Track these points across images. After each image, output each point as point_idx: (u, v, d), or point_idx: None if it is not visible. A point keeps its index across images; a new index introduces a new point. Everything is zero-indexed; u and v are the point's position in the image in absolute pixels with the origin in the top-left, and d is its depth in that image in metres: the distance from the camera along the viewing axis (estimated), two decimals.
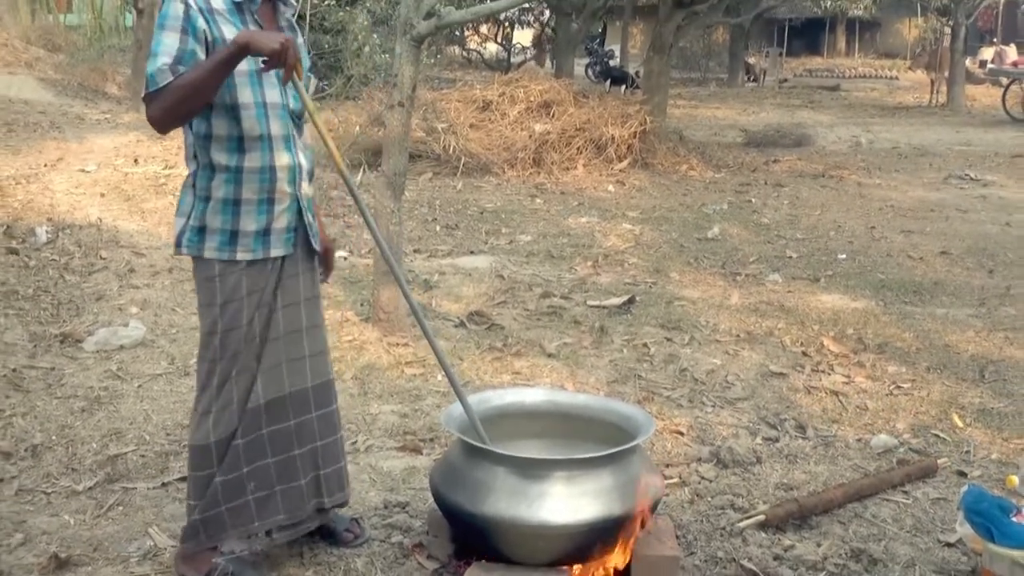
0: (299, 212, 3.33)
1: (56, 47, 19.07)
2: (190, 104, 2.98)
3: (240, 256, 3.19)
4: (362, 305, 6.60)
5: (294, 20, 3.43)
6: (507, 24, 31.54)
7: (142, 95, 3.02)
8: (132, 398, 5.07)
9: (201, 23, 3.02)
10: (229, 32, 3.07)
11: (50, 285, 6.80)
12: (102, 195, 9.48)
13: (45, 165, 10.19)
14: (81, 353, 5.68)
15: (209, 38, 3.03)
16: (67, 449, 4.44)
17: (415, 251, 8.40)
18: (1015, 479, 4.27)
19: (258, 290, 3.24)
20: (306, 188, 3.36)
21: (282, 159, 3.23)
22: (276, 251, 3.27)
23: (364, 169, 11.06)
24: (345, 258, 7.97)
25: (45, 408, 4.89)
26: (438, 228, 9.44)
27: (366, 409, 5.00)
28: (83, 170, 10.42)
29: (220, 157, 3.14)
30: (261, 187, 3.20)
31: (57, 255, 7.47)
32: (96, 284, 6.94)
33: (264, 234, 3.23)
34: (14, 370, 5.34)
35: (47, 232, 7.79)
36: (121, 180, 9.83)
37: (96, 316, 6.28)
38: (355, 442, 4.60)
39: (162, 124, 3.03)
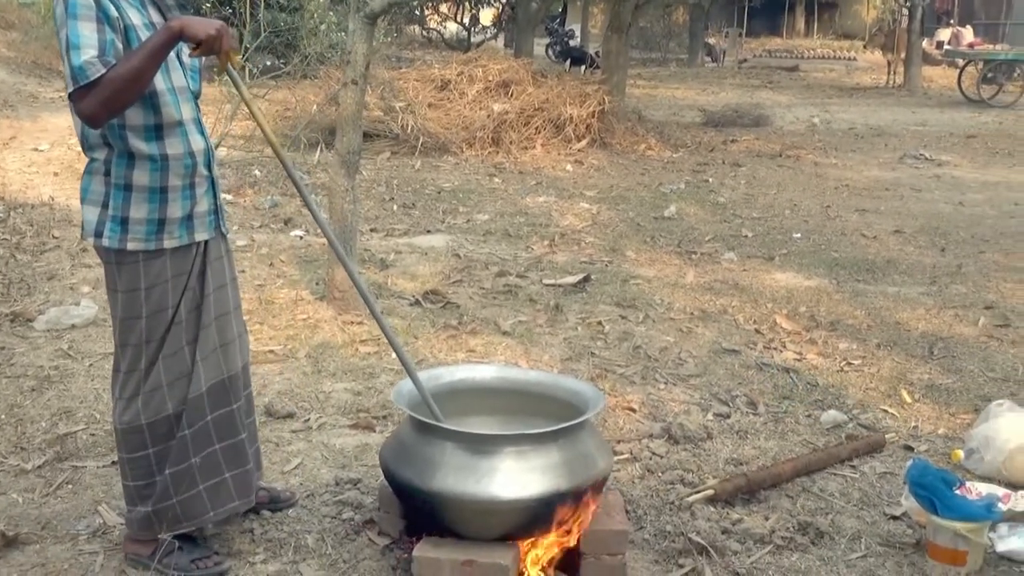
0: (215, 194, 3.33)
1: (9, 24, 18.81)
2: (128, 95, 2.89)
3: (167, 244, 3.15)
4: (317, 284, 6.59)
5: None
6: (469, 3, 31.45)
7: (69, 90, 2.87)
8: (83, 377, 5.03)
9: (112, 11, 2.91)
10: (134, 16, 3.00)
11: (1, 264, 6.74)
12: (55, 174, 9.40)
13: None
14: (32, 332, 5.63)
15: (121, 25, 2.94)
16: (16, 428, 4.40)
17: (372, 230, 8.38)
18: (960, 453, 4.36)
19: (183, 273, 3.21)
20: (215, 170, 3.35)
21: (197, 143, 3.20)
22: (200, 235, 3.25)
23: (321, 148, 11.01)
24: (301, 237, 7.94)
25: None
26: (395, 207, 9.42)
27: (319, 387, 5.00)
28: (36, 149, 10.33)
29: (140, 145, 3.06)
30: (185, 172, 3.16)
31: (8, 234, 7.40)
32: (48, 263, 6.88)
33: (188, 219, 3.20)
34: None
35: None
36: (75, 159, 9.75)
37: (47, 295, 6.23)
38: (308, 420, 4.60)
39: (98, 119, 2.90)
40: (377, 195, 9.84)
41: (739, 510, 3.88)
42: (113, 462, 4.01)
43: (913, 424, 4.80)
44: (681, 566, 3.50)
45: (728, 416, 4.81)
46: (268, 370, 5.17)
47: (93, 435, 4.36)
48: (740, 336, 6.00)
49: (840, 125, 16.97)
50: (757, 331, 6.10)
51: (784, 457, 4.34)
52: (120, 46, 2.92)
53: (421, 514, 3.29)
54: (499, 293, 6.73)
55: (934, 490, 3.50)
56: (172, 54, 3.07)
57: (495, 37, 31.51)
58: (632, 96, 17.70)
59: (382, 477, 3.42)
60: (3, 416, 4.52)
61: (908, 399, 5.09)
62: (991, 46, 25.21)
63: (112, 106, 2.88)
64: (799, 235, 8.78)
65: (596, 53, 21.72)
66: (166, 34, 2.89)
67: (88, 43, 2.84)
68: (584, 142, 13.00)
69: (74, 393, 4.82)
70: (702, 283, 7.14)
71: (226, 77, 3.17)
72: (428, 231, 8.53)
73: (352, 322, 5.90)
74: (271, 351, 5.43)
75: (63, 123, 11.23)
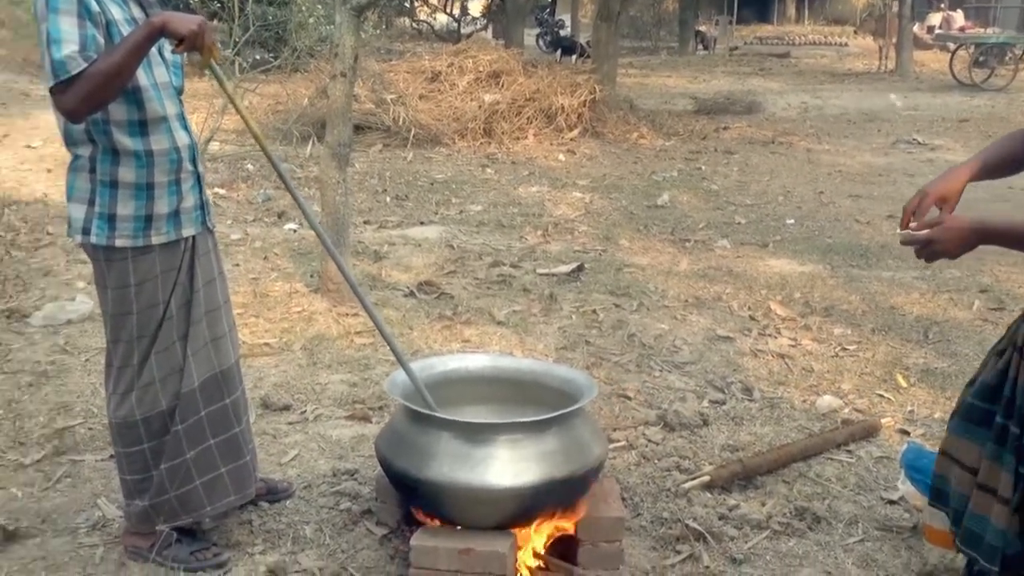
0: (200, 189, 3.33)
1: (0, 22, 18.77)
2: (110, 91, 2.87)
3: (155, 240, 3.15)
4: (312, 276, 6.58)
5: None
6: None
7: (49, 84, 2.84)
8: (79, 372, 5.03)
9: (94, 6, 2.89)
10: (116, 11, 2.99)
11: None
12: (48, 171, 9.38)
13: None
14: (28, 328, 5.63)
15: (102, 20, 2.93)
16: (14, 423, 4.41)
17: (365, 222, 8.38)
18: None
19: (172, 269, 3.21)
20: (200, 165, 3.35)
21: (182, 139, 3.20)
22: (187, 231, 3.25)
23: (313, 141, 11.00)
24: (295, 230, 7.93)
25: None
26: (388, 199, 9.42)
27: (315, 379, 5.00)
28: (29, 146, 10.31)
29: (125, 141, 3.05)
30: (171, 168, 3.16)
31: (3, 231, 7.39)
32: (43, 259, 6.87)
33: (175, 215, 3.20)
34: None
35: None
36: (67, 155, 9.71)
37: (43, 291, 6.22)
38: (304, 412, 4.61)
39: (79, 113, 2.89)
40: (370, 187, 9.84)
41: (736, 496, 3.90)
42: (111, 456, 4.00)
43: (909, 408, 4.81)
44: (679, 552, 3.52)
45: (723, 403, 4.83)
46: (264, 363, 5.18)
47: (91, 429, 4.37)
48: (734, 323, 6.02)
49: (832, 111, 16.96)
50: (751, 318, 6.11)
51: (780, 443, 4.35)
52: (101, 41, 2.90)
53: (418, 503, 3.30)
54: (493, 283, 6.74)
55: (930, 474, 3.51)
56: (155, 50, 3.07)
57: (485, 28, 31.46)
58: (623, 85, 17.69)
59: (379, 467, 3.42)
60: (1, 411, 4.52)
61: (903, 383, 5.11)
62: (982, 30, 25.23)
63: (92, 101, 2.87)
64: (792, 221, 8.79)
65: (586, 43, 21.68)
66: (147, 30, 2.88)
67: (69, 38, 2.82)
68: (576, 131, 13.00)
69: (71, 388, 4.83)
70: (696, 270, 7.15)
71: (209, 73, 3.15)
72: (421, 222, 8.53)
73: (347, 314, 5.90)
74: (267, 344, 5.44)
75: (55, 120, 11.21)
